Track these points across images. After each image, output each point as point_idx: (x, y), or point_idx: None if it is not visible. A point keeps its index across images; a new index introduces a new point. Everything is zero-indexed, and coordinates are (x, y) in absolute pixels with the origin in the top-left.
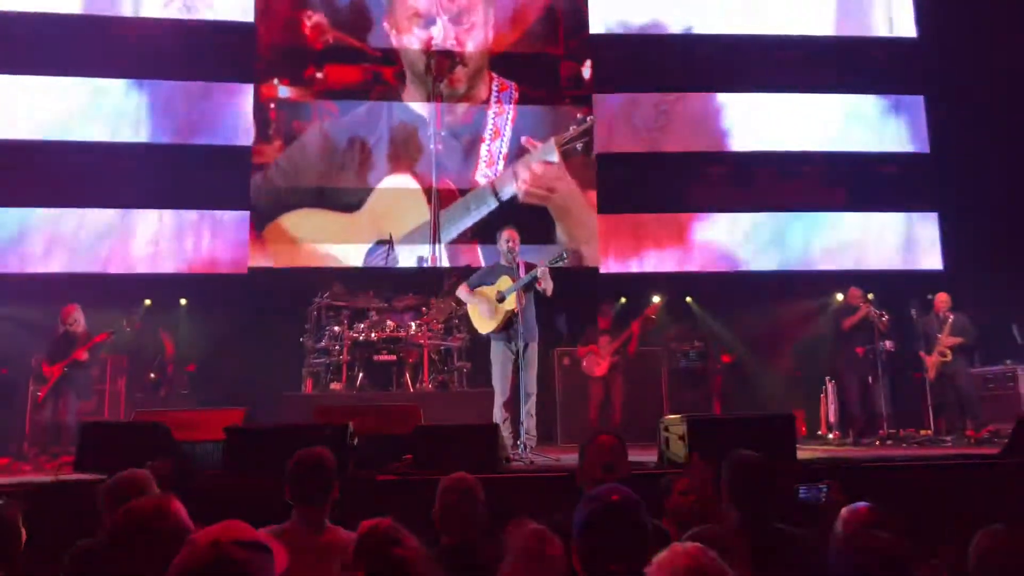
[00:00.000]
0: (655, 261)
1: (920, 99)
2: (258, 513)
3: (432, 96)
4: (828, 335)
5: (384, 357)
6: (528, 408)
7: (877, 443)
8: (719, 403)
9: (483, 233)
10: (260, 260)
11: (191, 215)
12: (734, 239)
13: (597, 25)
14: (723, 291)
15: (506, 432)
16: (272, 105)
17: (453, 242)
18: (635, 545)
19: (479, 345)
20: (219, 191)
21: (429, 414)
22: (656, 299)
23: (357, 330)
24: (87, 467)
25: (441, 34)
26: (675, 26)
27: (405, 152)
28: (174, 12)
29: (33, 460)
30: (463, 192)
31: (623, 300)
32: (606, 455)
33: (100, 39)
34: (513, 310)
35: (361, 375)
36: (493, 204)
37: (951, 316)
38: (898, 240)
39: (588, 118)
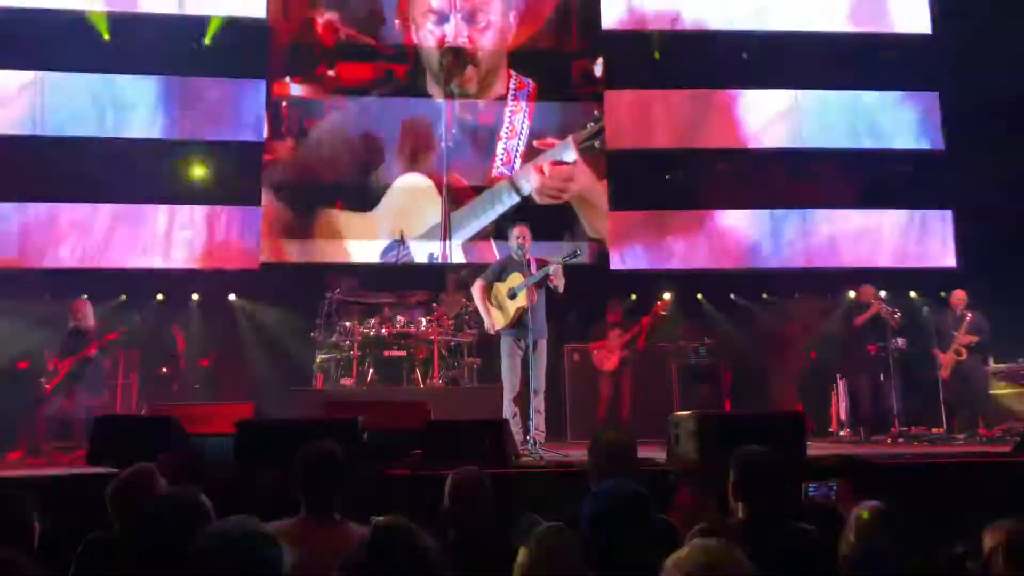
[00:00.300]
0: (666, 257)
1: (934, 95)
2: (268, 507)
3: (445, 94)
4: (840, 332)
5: (395, 353)
6: (537, 404)
7: (888, 441)
8: (729, 400)
9: (500, 230)
10: (272, 256)
11: (203, 210)
12: (746, 236)
13: (610, 21)
14: (734, 288)
15: (515, 427)
16: (284, 103)
17: (472, 239)
18: (643, 540)
19: (489, 341)
20: (232, 187)
21: (439, 410)
22: (667, 295)
23: (368, 325)
24: (99, 460)
25: (454, 32)
26: (688, 22)
27: (420, 150)
28: (189, 8)
29: (47, 454)
30: (477, 190)
31: (633, 296)
32: (615, 451)
33: (113, 34)
34: (524, 306)
35: (371, 370)
36: (515, 199)
37: (968, 314)
38: (911, 237)
39: (598, 115)
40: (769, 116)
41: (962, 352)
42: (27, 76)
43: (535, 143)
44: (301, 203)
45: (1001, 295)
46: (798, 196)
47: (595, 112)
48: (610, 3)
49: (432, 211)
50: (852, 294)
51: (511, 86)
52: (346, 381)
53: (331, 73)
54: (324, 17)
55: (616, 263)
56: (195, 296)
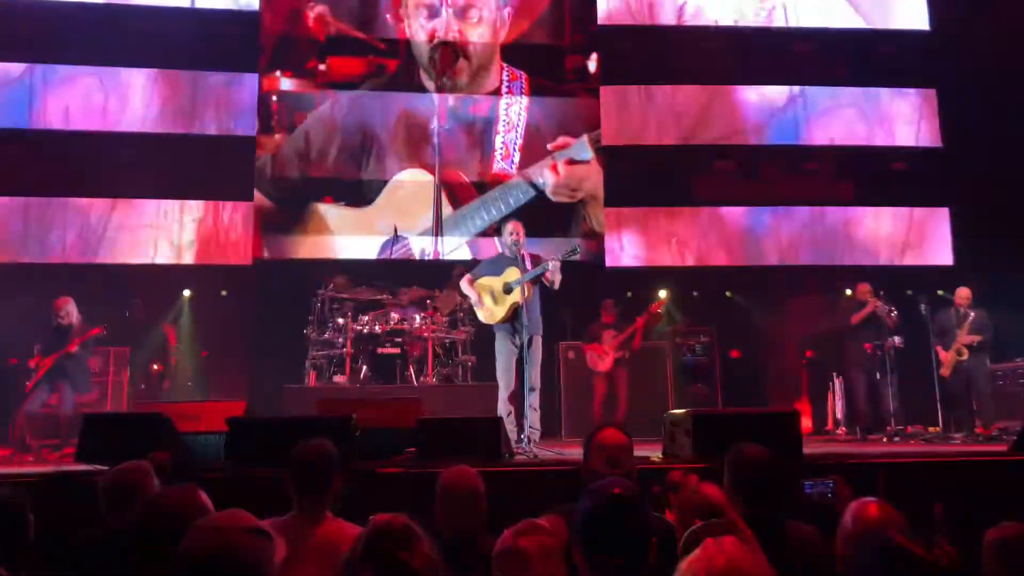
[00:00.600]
0: (661, 255)
1: (932, 92)
2: (259, 505)
3: (437, 88)
4: (836, 330)
5: (388, 350)
6: (532, 402)
7: (884, 440)
8: (724, 398)
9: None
10: (266, 252)
11: (195, 206)
12: (742, 233)
13: (605, 16)
14: (729, 286)
15: (510, 426)
16: (274, 97)
17: (478, 235)
18: (637, 539)
19: (484, 338)
20: (224, 182)
21: (433, 407)
22: (662, 294)
23: (361, 322)
24: (90, 458)
25: (444, 26)
26: (685, 17)
27: (414, 145)
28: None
29: (35, 451)
30: (478, 186)
31: (628, 294)
32: (610, 449)
33: (103, 27)
34: (519, 302)
35: (365, 368)
36: (531, 194)
37: (972, 312)
38: (908, 235)
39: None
40: (767, 112)
41: (963, 352)
42: (16, 68)
43: (548, 146)
44: (294, 198)
45: (997, 294)
46: (795, 193)
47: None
48: None
49: (431, 206)
50: (848, 292)
51: (504, 78)
52: (339, 379)
53: (322, 67)
54: (315, 10)
55: (611, 260)
56: (187, 292)
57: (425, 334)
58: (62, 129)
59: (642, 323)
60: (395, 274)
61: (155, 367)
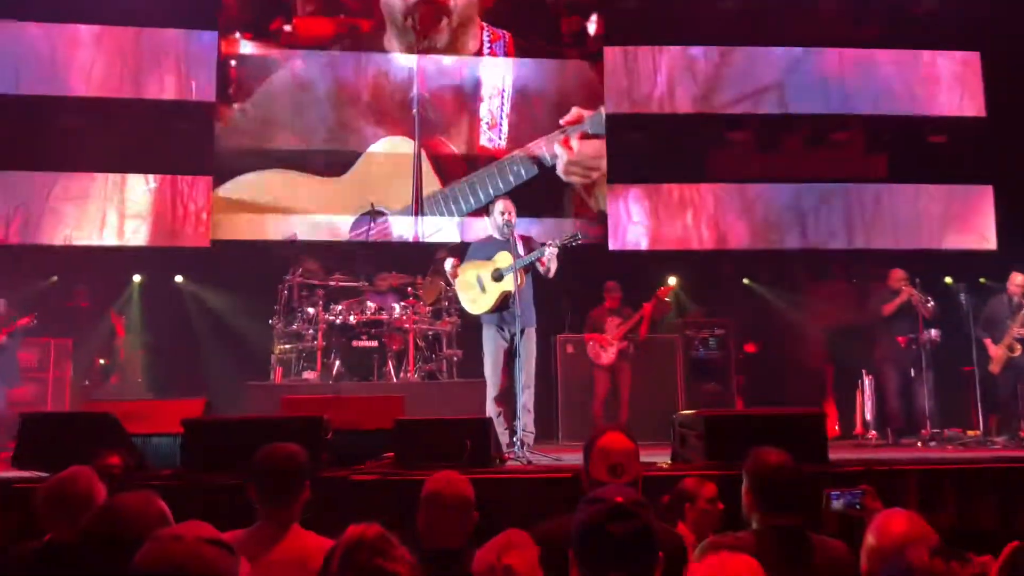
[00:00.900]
0: (671, 236)
1: (975, 56)
2: (219, 516)
3: (414, 49)
4: (865, 322)
5: (364, 343)
6: (525, 402)
7: (919, 444)
8: (741, 397)
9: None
10: (225, 232)
11: (146, 180)
12: (761, 213)
13: None
14: (747, 272)
15: (500, 428)
16: (233, 62)
17: (471, 214)
18: (639, 552)
19: (471, 331)
20: (179, 153)
21: (415, 407)
22: (672, 279)
23: (333, 312)
24: (27, 463)
25: None
26: None
27: (391, 112)
28: None
29: None
30: (468, 159)
31: (634, 281)
32: (613, 455)
33: None
34: (509, 291)
35: (338, 363)
36: (533, 171)
37: None
38: (947, 215)
39: None
40: (789, 76)
41: (1016, 347)
42: None
43: (562, 120)
44: (257, 172)
45: None
46: (820, 168)
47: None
48: None
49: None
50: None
51: (484, 39)
52: (308, 375)
53: (287, 28)
54: None
55: (615, 243)
56: (137, 277)
57: (406, 325)
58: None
59: (649, 310)
60: (372, 257)
61: (101, 361)
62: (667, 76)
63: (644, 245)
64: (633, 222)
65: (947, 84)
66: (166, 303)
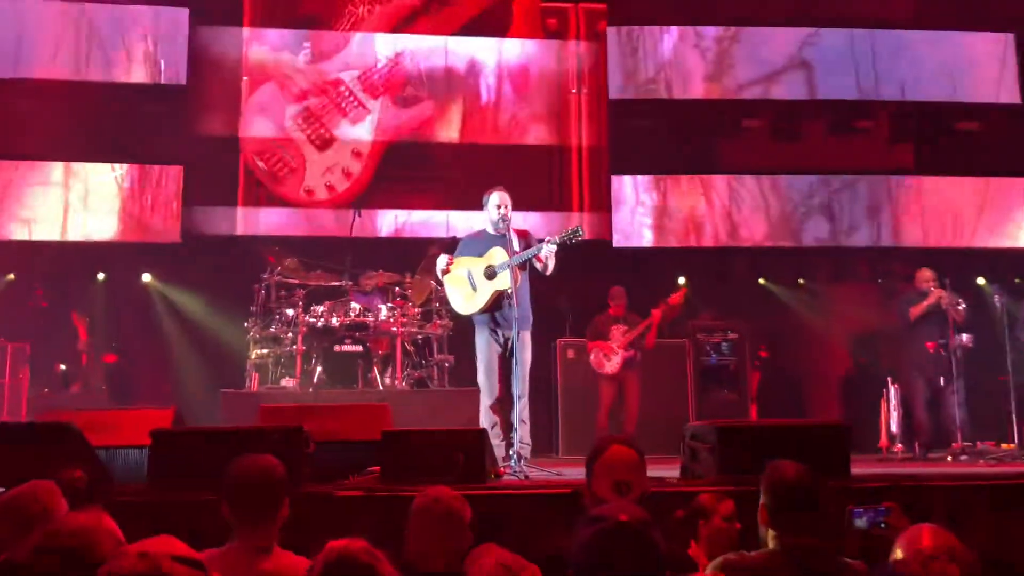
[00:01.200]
0: (679, 231)
1: (1010, 37)
2: (190, 534)
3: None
4: (891, 326)
5: (348, 347)
6: (521, 411)
7: (948, 458)
8: (756, 407)
9: None
10: (198, 226)
11: (111, 169)
12: (777, 207)
13: None
14: (762, 272)
15: (496, 440)
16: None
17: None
18: (645, 574)
19: (464, 334)
20: (147, 140)
21: (403, 417)
22: (681, 281)
23: (315, 314)
24: None
25: None
26: None
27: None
28: None
29: None
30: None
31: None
32: (619, 470)
33: None
34: (503, 290)
35: (319, 369)
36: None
37: None
38: (980, 211)
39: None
40: (809, 59)
41: None
42: None
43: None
44: (231, 162)
45: None
46: (842, 158)
47: None
48: None
49: None
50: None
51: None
52: (288, 382)
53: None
54: None
55: (619, 238)
56: (100, 275)
57: (393, 328)
58: None
59: (658, 317)
60: (357, 254)
61: (62, 366)
62: (675, 57)
63: (650, 241)
64: (639, 216)
65: (980, 68)
66: (133, 303)
